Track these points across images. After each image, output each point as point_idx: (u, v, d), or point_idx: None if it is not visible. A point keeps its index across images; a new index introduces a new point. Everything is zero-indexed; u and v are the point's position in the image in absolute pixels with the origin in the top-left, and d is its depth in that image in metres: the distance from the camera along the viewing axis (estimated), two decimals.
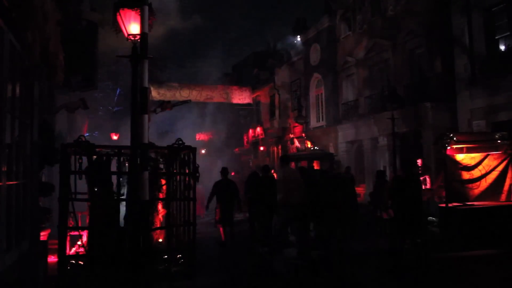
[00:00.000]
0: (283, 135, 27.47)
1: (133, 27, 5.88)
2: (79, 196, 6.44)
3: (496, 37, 12.99)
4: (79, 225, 6.54)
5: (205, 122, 32.82)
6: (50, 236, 7.02)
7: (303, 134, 24.01)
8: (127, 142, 6.34)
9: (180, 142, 6.78)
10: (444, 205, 9.73)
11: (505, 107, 12.39)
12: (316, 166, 19.75)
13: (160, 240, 7.14)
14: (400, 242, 8.54)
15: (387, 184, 10.98)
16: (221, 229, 10.39)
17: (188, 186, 6.98)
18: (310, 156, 20.45)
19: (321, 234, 10.08)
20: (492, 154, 10.27)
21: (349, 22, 21.14)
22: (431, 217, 10.85)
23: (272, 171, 12.19)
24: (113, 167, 6.53)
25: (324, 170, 13.02)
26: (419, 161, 13.38)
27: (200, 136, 36.75)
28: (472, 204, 9.83)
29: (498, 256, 8.44)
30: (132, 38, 5.92)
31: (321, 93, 23.19)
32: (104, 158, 6.45)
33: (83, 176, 6.30)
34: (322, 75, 22.83)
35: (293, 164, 22.66)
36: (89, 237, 6.49)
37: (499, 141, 10.17)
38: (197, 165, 6.86)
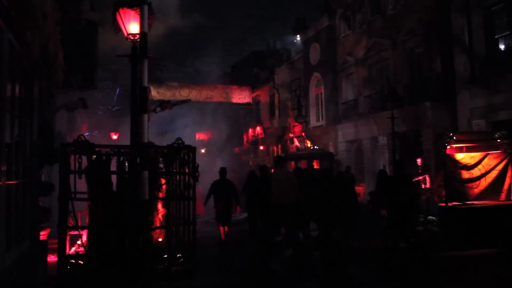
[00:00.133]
0: (283, 135, 27.47)
1: (133, 27, 5.88)
2: (78, 196, 6.44)
3: (496, 36, 12.98)
4: (79, 224, 6.54)
5: (204, 121, 32.81)
6: (50, 236, 7.02)
7: (303, 134, 24.02)
8: (126, 141, 6.33)
9: (180, 141, 6.78)
10: (443, 204, 9.73)
11: (504, 106, 12.39)
12: (316, 165, 19.75)
13: (160, 239, 7.14)
14: (393, 241, 8.58)
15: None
16: (221, 228, 10.40)
17: (187, 186, 6.98)
18: (310, 155, 20.46)
19: (321, 233, 10.08)
20: (492, 154, 10.27)
21: (349, 21, 21.14)
22: (430, 216, 10.86)
23: (273, 171, 12.18)
24: (113, 167, 6.53)
25: (326, 169, 13.01)
26: (418, 161, 13.38)
27: (200, 136, 36.76)
28: (471, 203, 9.83)
29: (498, 255, 8.45)
30: (132, 38, 5.92)
31: (321, 93, 23.19)
32: (104, 157, 6.45)
33: (83, 175, 6.31)
34: (322, 74, 22.82)
35: (293, 164, 22.73)
36: (89, 237, 6.49)
37: (498, 141, 10.16)
38: (196, 165, 6.86)
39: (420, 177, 12.82)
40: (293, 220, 8.91)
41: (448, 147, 9.88)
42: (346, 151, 20.96)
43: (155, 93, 24.53)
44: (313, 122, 23.88)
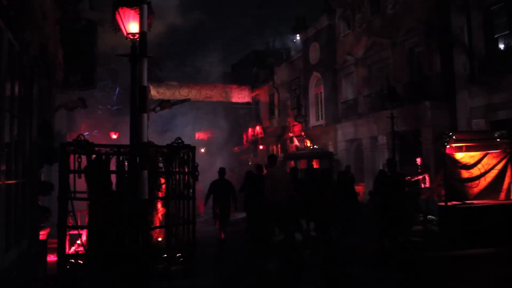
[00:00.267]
0: (282, 134, 27.47)
1: (132, 26, 5.87)
2: (78, 195, 6.44)
3: (496, 36, 12.98)
4: (79, 224, 6.55)
5: (204, 121, 32.78)
6: (49, 235, 7.02)
7: (303, 133, 24.01)
8: (126, 140, 6.33)
9: (180, 141, 6.79)
10: (443, 203, 9.73)
11: (504, 105, 12.39)
12: (315, 165, 19.74)
13: (160, 239, 7.14)
14: (389, 241, 8.62)
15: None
16: (220, 226, 10.45)
17: (187, 185, 6.99)
18: (310, 155, 20.45)
19: (320, 233, 10.08)
20: (491, 153, 10.27)
21: (349, 20, 21.13)
22: (430, 216, 10.87)
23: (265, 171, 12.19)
24: (113, 166, 6.53)
25: (327, 169, 13.05)
26: (418, 160, 13.37)
27: (200, 135, 36.74)
28: (471, 202, 9.84)
29: (497, 255, 8.46)
30: (131, 37, 5.92)
31: (321, 92, 23.18)
32: (103, 157, 6.46)
33: (82, 175, 6.31)
34: (322, 73, 22.82)
35: (292, 163, 22.73)
36: (88, 236, 6.49)
37: (498, 140, 10.17)
38: (196, 164, 6.87)
39: (420, 177, 12.82)
40: (286, 219, 8.84)
41: (448, 146, 9.88)
42: (346, 150, 20.96)
43: (154, 93, 24.53)
44: (312, 121, 23.87)
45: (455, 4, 14.09)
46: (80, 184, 6.37)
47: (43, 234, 6.55)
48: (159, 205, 7.10)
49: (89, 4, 10.85)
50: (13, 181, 4.85)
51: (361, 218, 11.61)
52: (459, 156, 10.18)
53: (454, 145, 9.93)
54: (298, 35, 26.15)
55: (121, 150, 6.46)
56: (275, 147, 29.06)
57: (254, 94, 30.32)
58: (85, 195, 6.53)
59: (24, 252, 5.23)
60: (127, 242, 6.06)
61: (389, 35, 17.56)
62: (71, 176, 6.19)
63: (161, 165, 7.31)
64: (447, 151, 9.98)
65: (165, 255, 6.62)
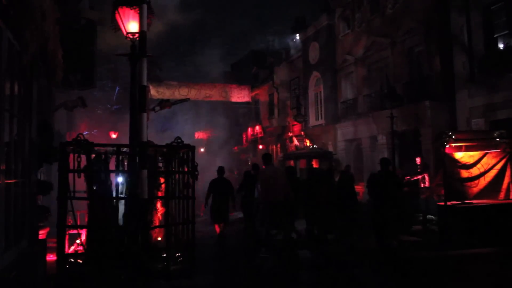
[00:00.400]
0: (282, 134, 27.47)
1: (132, 26, 5.87)
2: (77, 195, 6.44)
3: (495, 36, 12.99)
4: (78, 223, 6.55)
5: (204, 120, 32.75)
6: (49, 235, 7.02)
7: (302, 133, 24.01)
8: (126, 140, 6.34)
9: (179, 140, 6.79)
10: (442, 203, 9.73)
11: (503, 105, 12.39)
12: (315, 164, 19.75)
13: (159, 238, 7.14)
14: (381, 240, 8.66)
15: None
16: (216, 226, 10.49)
17: (187, 185, 6.99)
18: (309, 154, 20.45)
19: (320, 232, 10.08)
20: (491, 152, 10.28)
21: (348, 20, 21.13)
22: (429, 216, 10.88)
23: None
24: (112, 166, 6.53)
25: (330, 169, 13.05)
26: (418, 160, 13.38)
27: (199, 135, 36.72)
28: (470, 202, 9.84)
29: (497, 255, 8.45)
30: (131, 37, 5.92)
31: (320, 92, 23.18)
32: (103, 156, 6.46)
33: (82, 174, 6.31)
34: (321, 73, 22.82)
35: (292, 163, 22.72)
36: (88, 236, 6.49)
37: (497, 139, 10.17)
38: (196, 164, 6.87)
39: (419, 176, 12.83)
40: (281, 218, 8.80)
41: (447, 146, 9.88)
42: (345, 150, 20.97)
43: (154, 92, 24.52)
44: (312, 121, 23.88)
45: (454, 4, 14.09)
46: (80, 183, 6.37)
47: (42, 234, 6.55)
48: (159, 205, 7.11)
49: (88, 4, 10.83)
50: (13, 181, 4.85)
51: (361, 218, 11.61)
52: (458, 155, 10.18)
53: (453, 144, 9.94)
54: (297, 34, 26.14)
55: (121, 149, 6.46)
56: (274, 146, 29.05)
57: (253, 93, 30.31)
58: (84, 195, 6.53)
59: (23, 251, 5.23)
60: (127, 242, 6.06)
61: (389, 35, 17.56)
62: (71, 175, 6.19)
63: (160, 164, 7.31)
64: (447, 150, 9.98)
65: (165, 255, 6.62)
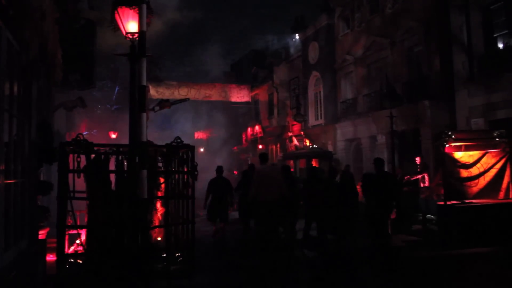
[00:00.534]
0: (281, 133, 27.48)
1: (131, 26, 5.86)
2: (77, 195, 6.43)
3: (495, 35, 13.00)
4: (78, 223, 6.54)
5: (203, 120, 32.78)
6: (48, 235, 7.02)
7: (302, 132, 24.02)
8: (125, 140, 6.33)
9: (179, 140, 6.78)
10: (442, 203, 9.74)
11: (503, 105, 12.40)
12: (314, 164, 19.76)
13: (159, 238, 7.13)
14: (375, 239, 8.69)
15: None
16: (214, 227, 10.53)
17: (186, 185, 6.98)
18: (309, 154, 20.46)
19: (320, 233, 10.07)
20: (491, 152, 10.29)
21: (348, 20, 21.14)
22: (429, 215, 10.88)
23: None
24: (112, 166, 6.53)
25: (332, 168, 13.04)
26: (417, 159, 13.39)
27: (199, 135, 36.78)
28: (470, 202, 9.85)
29: (497, 254, 8.46)
30: (130, 37, 5.91)
31: (320, 91, 23.19)
32: (103, 156, 6.45)
33: (82, 174, 6.30)
34: (321, 73, 22.82)
35: (291, 163, 22.73)
36: (87, 236, 6.49)
37: (497, 139, 10.18)
38: (195, 163, 6.86)
39: (419, 176, 12.84)
40: (274, 217, 8.73)
41: (447, 145, 9.89)
42: (345, 150, 20.97)
43: (154, 92, 24.55)
44: (312, 121, 23.88)
45: (454, 4, 14.10)
46: (79, 183, 6.37)
47: (42, 234, 6.55)
48: (158, 205, 7.10)
49: (88, 4, 10.84)
50: (12, 181, 4.85)
51: (361, 217, 11.61)
52: (458, 155, 10.18)
53: (453, 144, 9.94)
54: (297, 34, 26.15)
55: (121, 149, 6.46)
56: (274, 146, 29.06)
57: (253, 93, 30.32)
58: (84, 195, 6.52)
59: (23, 251, 5.23)
60: (127, 242, 6.06)
61: (388, 35, 17.57)
62: (70, 175, 6.19)
63: (160, 164, 7.31)
64: (446, 150, 9.99)
65: (164, 255, 6.61)
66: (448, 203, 9.60)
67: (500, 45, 12.87)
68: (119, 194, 6.36)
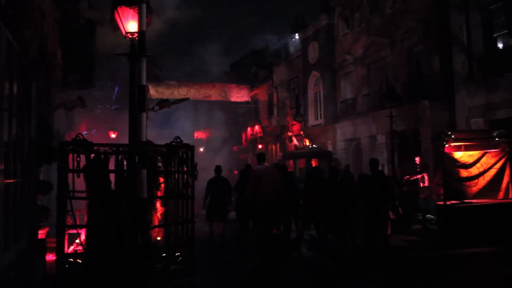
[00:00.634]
0: (281, 133, 27.47)
1: (131, 25, 5.86)
2: (77, 195, 6.43)
3: (494, 35, 13.00)
4: (78, 223, 6.54)
5: (203, 120, 32.76)
6: (48, 235, 7.01)
7: (301, 132, 24.02)
8: (125, 140, 6.33)
9: (178, 140, 6.79)
10: (442, 203, 9.74)
11: (503, 105, 12.41)
12: (314, 163, 19.76)
13: (159, 238, 7.13)
14: (370, 239, 8.71)
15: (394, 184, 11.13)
16: (210, 226, 10.54)
17: (186, 184, 6.98)
18: (308, 154, 20.47)
19: (320, 233, 10.07)
20: (490, 152, 10.29)
21: (348, 20, 21.13)
22: (429, 215, 10.88)
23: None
24: (111, 165, 6.52)
25: (334, 168, 13.04)
26: (417, 159, 13.40)
27: (199, 134, 36.77)
28: (470, 201, 9.85)
29: (496, 254, 8.47)
30: (130, 36, 5.91)
31: (319, 91, 23.19)
32: (102, 156, 6.45)
33: (81, 174, 6.30)
34: (321, 73, 22.82)
35: (291, 163, 22.74)
36: (87, 236, 6.49)
37: (497, 139, 10.18)
38: (195, 163, 6.86)
39: (419, 176, 12.84)
40: (271, 217, 8.71)
41: (447, 145, 9.89)
42: (345, 149, 20.97)
43: (153, 92, 24.53)
44: (311, 120, 23.88)
45: (454, 4, 14.10)
46: (79, 183, 6.37)
47: (42, 233, 6.55)
48: (158, 204, 7.10)
49: (88, 3, 10.84)
50: (12, 180, 4.85)
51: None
52: (458, 155, 10.19)
53: (453, 144, 9.95)
54: (297, 34, 26.14)
55: (120, 149, 6.46)
56: (274, 146, 29.06)
57: (253, 93, 30.31)
58: (84, 195, 6.52)
59: (23, 251, 5.23)
60: (126, 242, 6.06)
61: (388, 35, 17.57)
62: (70, 175, 6.19)
63: (160, 164, 7.31)
64: (446, 150, 9.99)
65: (164, 254, 6.61)
66: (448, 203, 9.60)
67: (500, 45, 12.87)
68: (119, 194, 6.35)
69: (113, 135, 22.94)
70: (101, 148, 6.56)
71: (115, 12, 5.87)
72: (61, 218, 6.05)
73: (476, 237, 8.92)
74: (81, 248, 6.51)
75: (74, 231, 6.80)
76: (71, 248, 7.06)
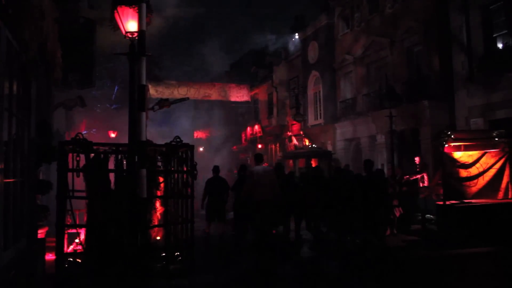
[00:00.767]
0: (281, 133, 27.46)
1: (131, 25, 5.87)
2: (76, 194, 6.44)
3: (494, 35, 12.99)
4: (77, 222, 6.55)
5: (203, 119, 32.74)
6: (47, 234, 7.01)
7: (301, 132, 24.01)
8: (125, 139, 6.33)
9: (178, 140, 6.79)
10: (441, 202, 9.75)
11: (502, 105, 12.40)
12: (314, 163, 19.75)
13: (158, 238, 7.14)
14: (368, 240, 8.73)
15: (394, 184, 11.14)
16: (208, 226, 10.53)
17: (186, 184, 6.99)
18: (308, 153, 20.46)
19: (318, 232, 10.08)
20: (490, 152, 10.29)
21: (347, 20, 21.13)
22: (428, 215, 10.89)
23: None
24: (111, 165, 6.53)
25: (338, 168, 13.04)
26: (417, 159, 13.40)
27: (198, 134, 36.76)
28: (469, 201, 9.86)
29: (496, 254, 8.47)
30: (130, 36, 5.91)
31: (319, 91, 23.18)
32: (102, 156, 6.46)
33: (81, 173, 6.31)
34: (320, 72, 22.81)
35: (291, 162, 22.73)
36: (87, 235, 6.50)
37: (496, 139, 10.19)
38: (195, 163, 6.87)
39: (418, 176, 12.84)
40: (267, 217, 8.70)
41: (446, 145, 9.90)
42: (344, 149, 20.96)
43: (153, 91, 24.52)
44: (311, 120, 23.88)
45: (454, 3, 14.10)
46: (79, 183, 6.37)
47: (41, 233, 6.55)
48: (158, 204, 7.11)
49: (88, 3, 10.85)
50: (12, 180, 4.85)
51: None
52: (457, 155, 10.19)
53: (452, 144, 9.95)
54: (296, 34, 26.13)
55: (120, 148, 6.47)
56: (273, 146, 29.05)
57: (253, 93, 30.30)
58: (83, 194, 6.53)
59: (22, 250, 5.23)
60: (126, 241, 6.06)
61: (388, 34, 17.56)
62: (70, 174, 6.19)
63: (159, 163, 7.31)
64: (446, 150, 9.99)
65: (164, 254, 6.62)
66: (447, 203, 9.61)
67: (500, 45, 12.86)
68: (119, 193, 6.36)
69: (112, 135, 22.92)
70: (100, 147, 6.57)
71: (115, 11, 5.88)
72: (60, 218, 6.06)
73: (475, 237, 8.93)
74: (80, 248, 6.52)
75: (74, 231, 6.82)
76: (71, 247, 7.07)
